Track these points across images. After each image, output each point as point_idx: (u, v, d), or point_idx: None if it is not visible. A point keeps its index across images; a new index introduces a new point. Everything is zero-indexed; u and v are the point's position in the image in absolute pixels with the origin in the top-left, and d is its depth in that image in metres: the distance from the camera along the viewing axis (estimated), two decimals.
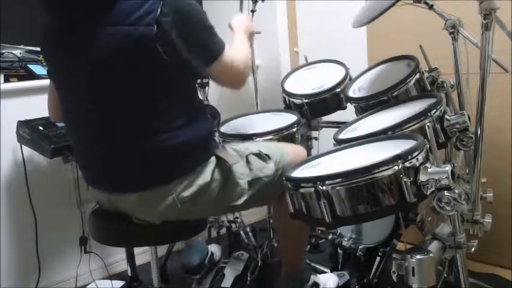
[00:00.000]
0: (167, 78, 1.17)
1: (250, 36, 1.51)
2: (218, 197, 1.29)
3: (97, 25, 1.14)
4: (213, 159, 1.30)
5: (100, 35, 1.14)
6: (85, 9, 1.16)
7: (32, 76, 1.96)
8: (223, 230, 2.17)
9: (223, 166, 1.31)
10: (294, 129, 1.70)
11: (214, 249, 2.05)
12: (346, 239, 1.70)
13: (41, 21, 1.25)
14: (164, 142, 1.20)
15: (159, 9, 1.11)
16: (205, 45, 1.20)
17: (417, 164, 1.02)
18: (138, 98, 1.18)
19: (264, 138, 1.64)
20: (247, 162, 1.35)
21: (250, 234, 2.06)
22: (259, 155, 1.37)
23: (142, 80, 1.16)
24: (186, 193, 1.24)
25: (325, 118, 1.97)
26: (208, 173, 1.27)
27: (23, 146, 1.83)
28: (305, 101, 1.84)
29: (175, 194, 1.23)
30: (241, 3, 1.98)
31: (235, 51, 1.32)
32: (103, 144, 1.24)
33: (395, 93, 1.52)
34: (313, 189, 1.04)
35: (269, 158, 1.38)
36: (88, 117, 1.24)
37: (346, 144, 1.29)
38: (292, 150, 1.45)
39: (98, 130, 1.24)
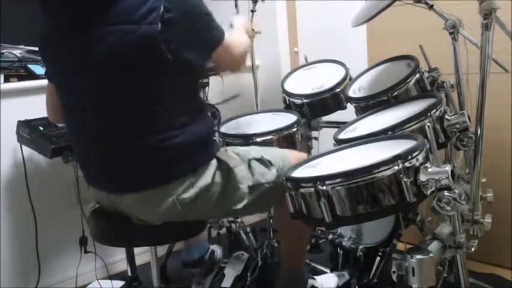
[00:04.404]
0: (168, 77, 1.17)
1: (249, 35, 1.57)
2: (218, 200, 1.29)
3: (96, 24, 1.14)
4: (214, 162, 1.30)
5: (99, 35, 1.13)
6: (84, 9, 1.16)
7: (32, 76, 1.96)
8: (223, 230, 2.17)
9: (225, 169, 1.30)
10: (294, 129, 1.70)
11: (215, 248, 2.06)
12: (346, 239, 1.70)
13: (39, 22, 1.25)
14: (164, 142, 1.20)
15: (162, 8, 1.10)
16: (208, 32, 1.23)
17: (417, 164, 1.02)
18: (138, 97, 1.18)
19: (264, 138, 1.64)
20: (249, 167, 1.34)
21: (250, 234, 2.06)
22: (261, 161, 1.36)
23: (142, 80, 1.16)
24: (187, 194, 1.23)
25: (325, 118, 1.97)
26: (209, 175, 1.27)
27: (23, 146, 1.82)
28: (305, 101, 1.84)
29: (175, 195, 1.22)
30: (236, 4, 2.03)
31: (234, 37, 1.37)
32: (103, 143, 1.24)
33: (395, 93, 1.52)
34: (313, 189, 1.04)
35: (271, 164, 1.37)
36: (88, 116, 1.24)
37: (346, 144, 1.29)
38: (295, 157, 1.45)
39: (98, 129, 1.24)
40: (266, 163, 1.36)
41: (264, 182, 1.34)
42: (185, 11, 1.14)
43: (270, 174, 1.35)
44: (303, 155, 1.49)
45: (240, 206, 1.31)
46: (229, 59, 1.35)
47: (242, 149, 1.42)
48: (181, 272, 1.93)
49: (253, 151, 1.40)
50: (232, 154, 1.35)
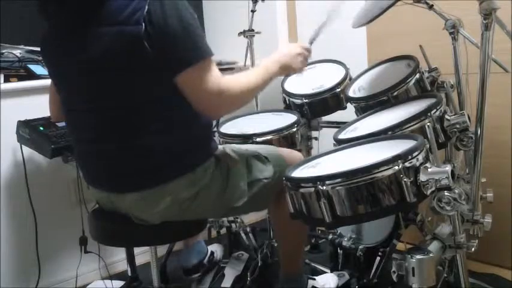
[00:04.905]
0: (162, 77, 1.16)
1: (288, 70, 1.43)
2: (218, 198, 1.29)
3: (92, 25, 1.14)
4: (212, 160, 1.30)
5: (95, 35, 1.14)
6: (81, 10, 1.16)
7: (32, 76, 1.96)
8: (223, 230, 2.17)
9: (223, 167, 1.31)
10: (294, 129, 1.70)
11: (215, 248, 2.05)
12: (346, 239, 1.70)
13: (40, 22, 1.25)
14: (163, 142, 1.20)
15: (146, 8, 1.09)
16: (182, 48, 1.12)
17: (417, 164, 1.02)
18: (135, 97, 1.17)
19: (264, 138, 1.64)
20: (247, 164, 1.35)
21: (250, 234, 2.06)
22: (258, 157, 1.38)
23: (137, 80, 1.15)
24: (185, 193, 1.24)
25: (325, 118, 1.97)
26: (207, 173, 1.27)
27: (23, 146, 1.83)
28: (305, 101, 1.84)
29: (174, 194, 1.23)
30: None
31: (236, 76, 1.23)
32: (102, 143, 1.24)
33: (395, 93, 1.52)
34: (313, 189, 1.04)
35: (268, 160, 1.38)
36: (87, 117, 1.24)
37: (346, 144, 1.29)
38: (288, 155, 1.45)
39: (97, 130, 1.24)
40: (263, 159, 1.38)
41: (262, 178, 1.35)
42: (166, 18, 1.10)
43: (267, 171, 1.36)
44: (297, 154, 1.49)
45: (240, 203, 1.31)
46: (196, 93, 1.16)
47: (239, 147, 1.42)
48: (182, 275, 1.92)
49: (250, 148, 1.42)
50: (230, 152, 1.36)
